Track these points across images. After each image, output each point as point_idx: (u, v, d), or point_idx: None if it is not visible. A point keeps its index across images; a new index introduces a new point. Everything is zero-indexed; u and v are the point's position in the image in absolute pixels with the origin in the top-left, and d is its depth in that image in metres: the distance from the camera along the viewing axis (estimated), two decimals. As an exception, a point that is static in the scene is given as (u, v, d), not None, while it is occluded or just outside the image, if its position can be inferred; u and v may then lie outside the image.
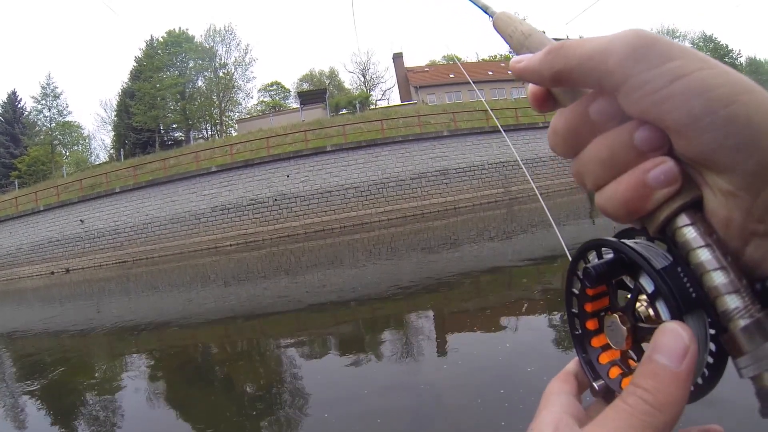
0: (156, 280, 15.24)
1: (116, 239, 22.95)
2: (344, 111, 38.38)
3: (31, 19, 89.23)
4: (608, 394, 0.28)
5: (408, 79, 43.88)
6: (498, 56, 48.59)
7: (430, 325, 5.43)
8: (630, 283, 0.27)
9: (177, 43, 41.21)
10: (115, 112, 45.08)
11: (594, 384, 0.29)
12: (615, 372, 0.29)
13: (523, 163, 11.73)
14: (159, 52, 41.44)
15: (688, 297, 0.23)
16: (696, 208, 0.23)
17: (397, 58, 47.01)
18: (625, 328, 0.27)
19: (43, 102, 42.92)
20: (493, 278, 7.29)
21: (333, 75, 54.09)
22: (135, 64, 42.99)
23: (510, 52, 0.33)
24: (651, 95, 0.22)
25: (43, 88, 42.94)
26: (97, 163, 42.35)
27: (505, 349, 4.06)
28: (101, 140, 65.90)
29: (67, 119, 44.03)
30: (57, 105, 43.14)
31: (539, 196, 1.02)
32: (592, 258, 0.28)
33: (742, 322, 0.21)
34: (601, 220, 9.55)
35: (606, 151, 0.25)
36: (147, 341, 6.63)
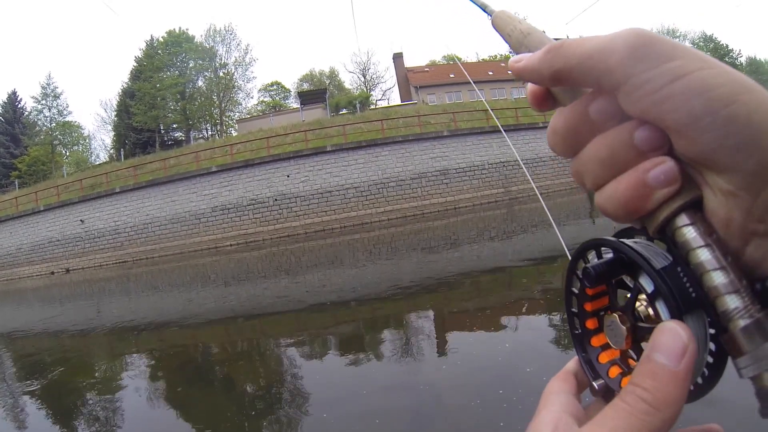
0: (156, 280, 15.24)
1: (116, 239, 22.96)
2: (344, 111, 38.39)
3: (31, 19, 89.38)
4: (608, 394, 0.28)
5: (408, 79, 43.89)
6: (498, 56, 48.59)
7: (430, 325, 5.42)
8: (630, 283, 0.26)
9: (177, 43, 41.22)
10: (115, 112, 45.12)
11: (594, 383, 0.29)
12: (615, 371, 0.29)
13: (524, 163, 11.74)
14: (159, 52, 41.46)
15: (687, 297, 0.23)
16: (696, 208, 0.23)
17: (397, 58, 47.03)
18: (624, 327, 0.27)
19: (44, 102, 43.00)
20: (493, 278, 7.29)
21: (333, 75, 54.17)
22: (135, 64, 43.03)
23: (509, 52, 0.33)
24: (651, 95, 0.22)
25: (43, 88, 43.06)
26: (98, 163, 42.39)
27: (505, 349, 4.06)
28: (101, 140, 66.15)
29: (67, 119, 44.15)
30: (57, 105, 43.25)
31: (539, 195, 1.02)
32: (592, 257, 0.28)
33: (742, 322, 0.21)
34: (601, 220, 9.54)
35: (606, 151, 0.25)
36: (147, 341, 6.63)
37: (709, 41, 49.33)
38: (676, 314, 0.23)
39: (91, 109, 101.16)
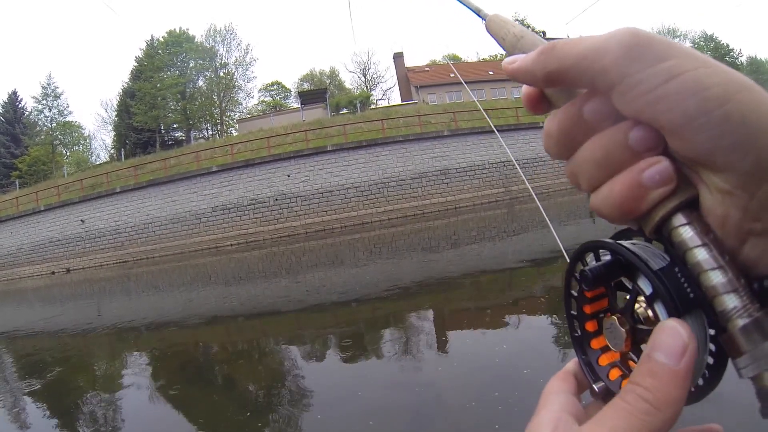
0: (157, 280, 15.25)
1: (117, 239, 22.97)
2: (345, 111, 38.38)
3: (32, 19, 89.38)
4: (608, 396, 0.28)
5: (408, 78, 43.86)
6: (498, 56, 48.55)
7: (430, 325, 5.43)
8: (629, 285, 0.26)
9: (177, 43, 41.23)
10: (116, 112, 45.12)
11: (594, 386, 0.29)
12: (615, 374, 0.28)
13: (524, 163, 11.74)
14: (159, 52, 41.46)
15: (686, 297, 0.23)
16: (692, 208, 0.23)
17: (398, 57, 47.00)
18: (624, 329, 0.26)
19: (44, 102, 43.02)
20: (493, 278, 7.29)
21: (333, 75, 54.15)
22: (135, 64, 43.02)
23: (505, 54, 0.33)
24: (645, 95, 0.22)
25: (43, 88, 43.07)
26: (98, 163, 42.38)
27: (504, 350, 4.06)
28: (102, 140, 66.04)
29: (67, 119, 44.16)
30: (57, 105, 43.27)
31: (534, 196, 1.02)
32: (590, 260, 0.28)
33: (741, 322, 0.21)
34: (601, 220, 9.52)
35: (600, 152, 0.24)
36: (147, 341, 6.64)
37: (709, 41, 49.31)
38: (675, 315, 0.23)
39: (92, 109, 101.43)
